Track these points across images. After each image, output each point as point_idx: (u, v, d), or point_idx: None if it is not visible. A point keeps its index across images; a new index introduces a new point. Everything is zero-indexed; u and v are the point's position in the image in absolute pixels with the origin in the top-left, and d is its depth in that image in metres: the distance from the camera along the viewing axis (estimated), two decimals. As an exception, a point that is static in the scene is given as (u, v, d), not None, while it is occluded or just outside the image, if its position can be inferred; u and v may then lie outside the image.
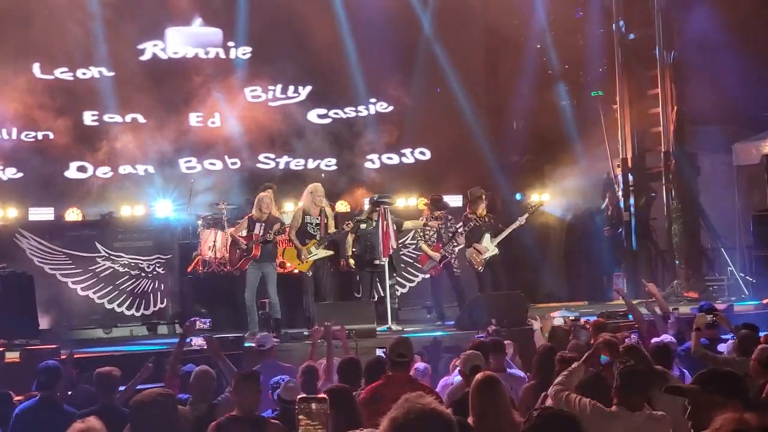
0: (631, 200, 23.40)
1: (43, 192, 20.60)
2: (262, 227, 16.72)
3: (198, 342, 9.39)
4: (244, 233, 16.94)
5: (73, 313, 18.77)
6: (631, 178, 23.46)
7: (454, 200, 20.54)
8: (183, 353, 10.39)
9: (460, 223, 18.44)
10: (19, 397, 10.20)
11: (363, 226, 17.79)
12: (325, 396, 4.09)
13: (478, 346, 10.11)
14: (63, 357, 10.55)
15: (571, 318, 13.98)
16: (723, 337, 12.43)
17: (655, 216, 23.34)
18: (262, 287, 16.91)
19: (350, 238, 18.02)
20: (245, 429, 7.88)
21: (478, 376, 7.50)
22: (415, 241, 18.85)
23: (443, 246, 18.05)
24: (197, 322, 10.31)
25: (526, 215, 18.60)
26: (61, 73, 21.09)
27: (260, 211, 16.91)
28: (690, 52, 22.02)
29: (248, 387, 8.06)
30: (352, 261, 18.14)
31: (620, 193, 23.48)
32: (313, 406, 3.81)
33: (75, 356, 11.76)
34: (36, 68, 20.87)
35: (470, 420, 7.24)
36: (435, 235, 18.13)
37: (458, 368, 9.90)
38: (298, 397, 3.89)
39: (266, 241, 16.63)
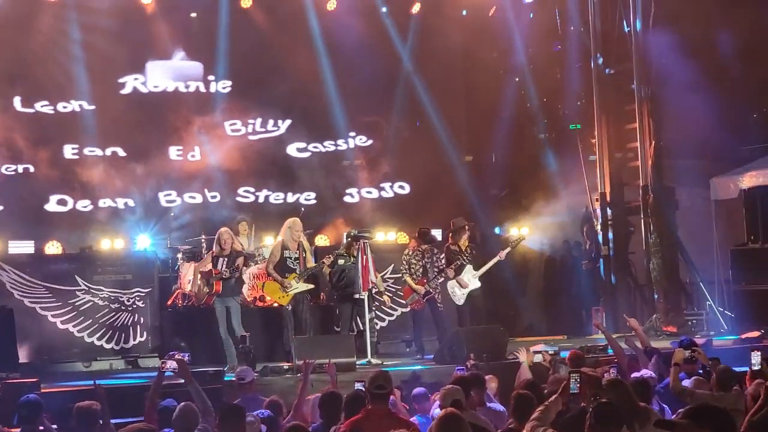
0: (610, 234, 23.45)
1: (23, 225, 20.60)
2: (224, 262, 16.76)
3: (171, 365, 9.36)
4: (207, 269, 17.02)
5: (53, 347, 18.73)
6: (609, 211, 23.52)
7: (435, 233, 20.61)
8: (161, 387, 10.38)
9: (442, 255, 18.49)
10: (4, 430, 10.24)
11: (341, 261, 17.86)
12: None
13: (458, 381, 10.14)
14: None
15: (550, 353, 14.00)
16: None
17: (634, 250, 23.38)
18: (228, 321, 16.94)
19: (327, 271, 18.08)
20: None
21: (440, 412, 7.49)
22: (399, 274, 18.87)
23: (428, 281, 18.05)
24: (176, 356, 10.26)
25: (508, 249, 18.66)
26: (42, 107, 21.12)
27: (219, 247, 16.96)
28: (667, 87, 22.13)
29: (234, 421, 8.16)
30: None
31: (599, 227, 23.52)
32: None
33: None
34: (17, 101, 20.90)
35: None
36: (420, 270, 18.13)
37: (437, 403, 9.92)
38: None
39: (226, 277, 16.67)
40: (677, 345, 12.99)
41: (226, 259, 16.77)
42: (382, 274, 19.12)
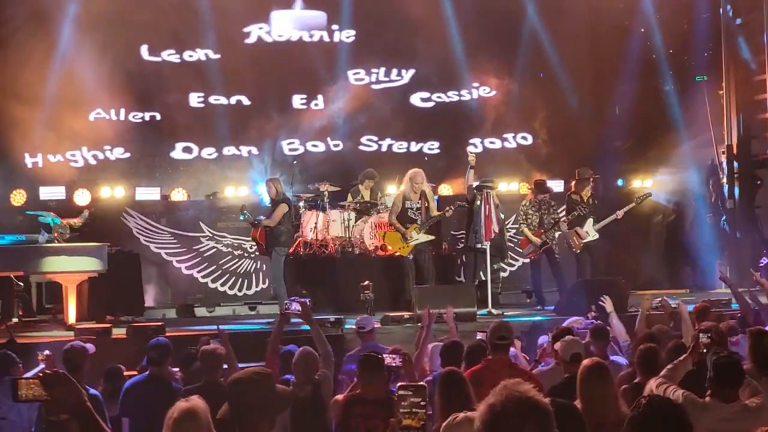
0: (736, 187, 23.05)
1: (149, 172, 20.96)
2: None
3: (294, 306, 9.45)
4: None
5: (177, 291, 19.09)
6: (735, 164, 23.12)
7: (556, 185, 20.52)
8: (283, 333, 10.49)
9: (563, 207, 18.41)
10: (131, 372, 10.47)
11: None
12: (425, 384, 4.14)
13: (564, 332, 10.04)
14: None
15: (672, 305, 13.82)
16: None
17: (760, 204, 22.98)
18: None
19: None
20: (375, 410, 8.13)
21: (586, 362, 7.43)
22: (517, 225, 18.82)
23: (545, 232, 18.01)
24: (295, 302, 10.35)
25: (630, 206, 18.52)
26: (168, 56, 21.39)
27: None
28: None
29: (373, 371, 8.31)
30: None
31: (724, 179, 23.14)
32: (413, 393, 3.86)
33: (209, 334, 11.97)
34: (144, 50, 21.19)
35: (578, 405, 7.19)
36: (537, 220, 18.12)
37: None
38: (398, 384, 3.95)
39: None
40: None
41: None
42: (507, 223, 19.14)
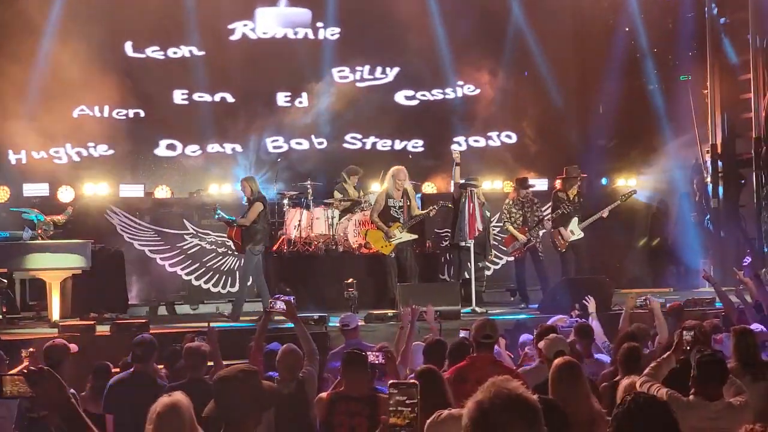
0: (720, 187, 23.10)
1: (133, 169, 20.95)
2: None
3: (279, 305, 9.45)
4: None
5: (161, 289, 19.05)
6: (720, 163, 23.16)
7: (540, 183, 20.56)
8: (267, 331, 10.48)
9: (549, 204, 18.44)
10: (116, 369, 10.45)
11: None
12: (416, 382, 4.13)
13: (548, 330, 10.05)
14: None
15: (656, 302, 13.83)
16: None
17: (745, 203, 23.02)
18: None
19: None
20: (359, 407, 8.18)
21: (558, 361, 7.42)
22: (501, 223, 18.83)
23: (529, 230, 18.04)
24: (277, 303, 10.36)
25: (614, 205, 18.56)
26: (153, 52, 21.36)
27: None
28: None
29: (357, 368, 8.31)
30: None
31: (709, 179, 23.19)
32: (405, 390, 3.85)
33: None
34: (128, 47, 21.16)
35: None
36: (521, 219, 18.13)
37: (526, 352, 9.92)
38: (390, 382, 3.94)
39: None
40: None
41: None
42: (492, 221, 19.16)
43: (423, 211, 17.89)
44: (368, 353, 8.60)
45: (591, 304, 12.18)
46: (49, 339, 10.66)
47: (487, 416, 3.45)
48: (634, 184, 21.81)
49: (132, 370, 9.71)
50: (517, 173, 20.78)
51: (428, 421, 5.96)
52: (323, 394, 8.62)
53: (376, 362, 9.22)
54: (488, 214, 18.55)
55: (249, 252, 16.75)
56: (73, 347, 10.06)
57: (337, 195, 19.63)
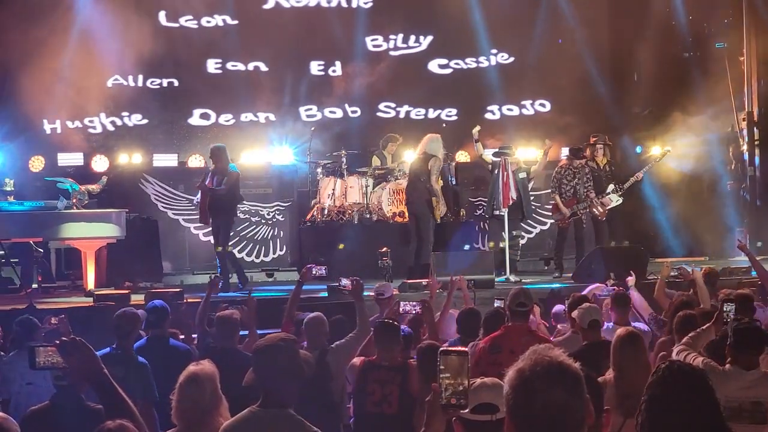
0: (756, 155, 22.91)
1: (167, 138, 21.00)
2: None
3: (344, 282, 9.51)
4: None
5: (195, 258, 19.10)
6: (756, 131, 22.97)
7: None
8: (299, 300, 10.48)
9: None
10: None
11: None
12: (466, 349, 4.05)
13: (581, 300, 10.01)
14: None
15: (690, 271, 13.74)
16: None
17: (781, 171, 22.86)
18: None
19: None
20: (391, 375, 8.23)
21: (620, 331, 7.49)
22: (549, 191, 18.66)
23: (578, 202, 17.83)
24: (313, 269, 10.39)
25: (649, 166, 18.45)
26: (186, 21, 21.35)
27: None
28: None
29: (389, 338, 8.36)
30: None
31: (745, 147, 23.01)
32: (454, 359, 3.78)
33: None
34: (162, 16, 21.16)
35: (610, 375, 7.19)
36: (571, 191, 17.90)
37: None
38: (440, 349, 3.86)
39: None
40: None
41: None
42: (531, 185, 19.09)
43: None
44: (403, 303, 8.61)
45: (632, 279, 12.13)
46: (83, 308, 10.65)
47: (528, 383, 3.42)
48: (670, 150, 21.64)
49: (147, 337, 9.71)
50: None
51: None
52: (356, 361, 8.64)
53: (412, 312, 9.28)
54: (524, 175, 18.08)
55: (224, 222, 16.70)
56: (142, 313, 9.95)
57: (376, 161, 19.61)
